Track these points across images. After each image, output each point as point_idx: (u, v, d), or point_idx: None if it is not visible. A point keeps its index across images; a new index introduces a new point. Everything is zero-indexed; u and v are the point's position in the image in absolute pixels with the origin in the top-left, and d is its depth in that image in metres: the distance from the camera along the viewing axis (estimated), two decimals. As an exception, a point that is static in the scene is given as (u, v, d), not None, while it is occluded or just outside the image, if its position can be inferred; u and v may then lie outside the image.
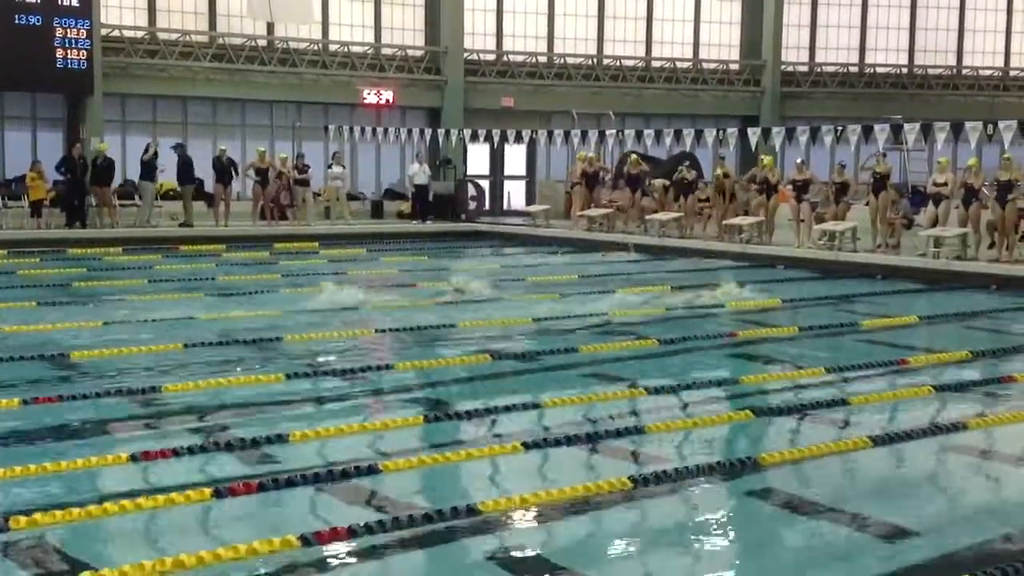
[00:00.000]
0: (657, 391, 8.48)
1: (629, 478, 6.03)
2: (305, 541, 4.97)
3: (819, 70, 34.59)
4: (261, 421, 7.48)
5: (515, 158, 31.52)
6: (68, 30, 24.47)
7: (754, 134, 22.18)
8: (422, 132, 27.16)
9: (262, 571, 4.75)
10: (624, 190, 24.10)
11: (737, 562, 5.16)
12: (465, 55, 31.05)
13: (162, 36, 27.62)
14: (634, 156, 24.37)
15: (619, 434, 7.12)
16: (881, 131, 19.80)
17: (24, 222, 21.76)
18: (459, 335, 11.25)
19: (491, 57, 31.84)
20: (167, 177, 23.75)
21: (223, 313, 12.23)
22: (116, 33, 26.82)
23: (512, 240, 23.97)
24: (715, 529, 5.64)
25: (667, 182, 23.13)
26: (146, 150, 22.74)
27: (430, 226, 25.26)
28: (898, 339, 11.50)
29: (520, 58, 32.01)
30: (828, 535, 5.48)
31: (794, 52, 34.59)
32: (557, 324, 11.88)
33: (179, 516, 5.48)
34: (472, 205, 28.75)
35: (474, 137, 26.57)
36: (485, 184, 31.22)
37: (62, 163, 22.09)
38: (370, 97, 29.71)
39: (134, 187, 23.86)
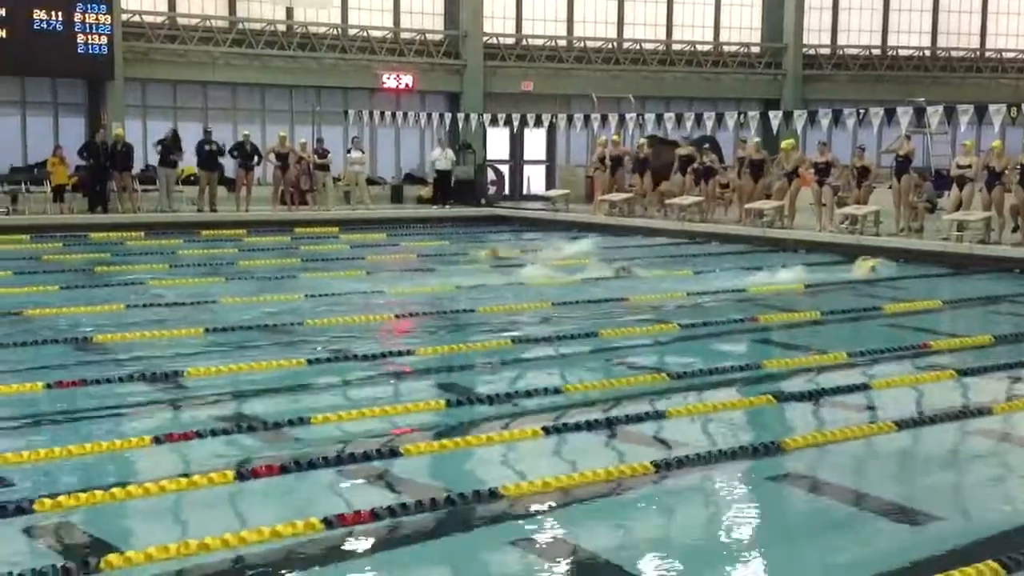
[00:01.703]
0: (679, 376, 8.45)
1: (652, 463, 6.01)
2: (328, 524, 4.99)
3: (841, 53, 34.30)
4: (283, 404, 7.51)
5: (535, 142, 31.44)
6: (89, 16, 24.51)
7: (775, 117, 22.04)
8: (441, 116, 27.12)
9: (286, 553, 4.76)
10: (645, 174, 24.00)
11: (760, 547, 5.14)
12: (484, 39, 30.95)
13: (182, 21, 27.64)
14: (642, 140, 24.27)
15: (641, 419, 7.10)
16: (904, 114, 19.63)
17: (47, 207, 21.87)
18: (480, 319, 11.25)
19: (510, 41, 31.73)
20: (188, 162, 23.82)
21: (244, 297, 12.28)
22: (136, 18, 26.86)
23: (532, 225, 23.93)
24: (738, 514, 5.63)
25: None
26: (166, 136, 22.77)
27: (450, 211, 25.25)
28: (921, 323, 11.43)
29: (540, 42, 31.88)
30: (852, 520, 5.46)
31: (816, 35, 34.32)
32: (577, 308, 11.85)
33: (203, 498, 5.51)
34: (492, 190, 28.71)
35: (494, 121, 26.50)
36: (505, 169, 31.19)
37: (84, 148, 22.19)
38: (389, 81, 29.67)
39: (155, 172, 23.93)
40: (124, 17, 25.97)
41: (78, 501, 5.28)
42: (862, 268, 15.45)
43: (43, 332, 9.93)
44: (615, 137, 24.71)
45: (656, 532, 5.29)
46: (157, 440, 6.36)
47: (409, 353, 9.42)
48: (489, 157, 30.20)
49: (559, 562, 4.81)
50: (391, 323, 11.06)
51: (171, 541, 4.73)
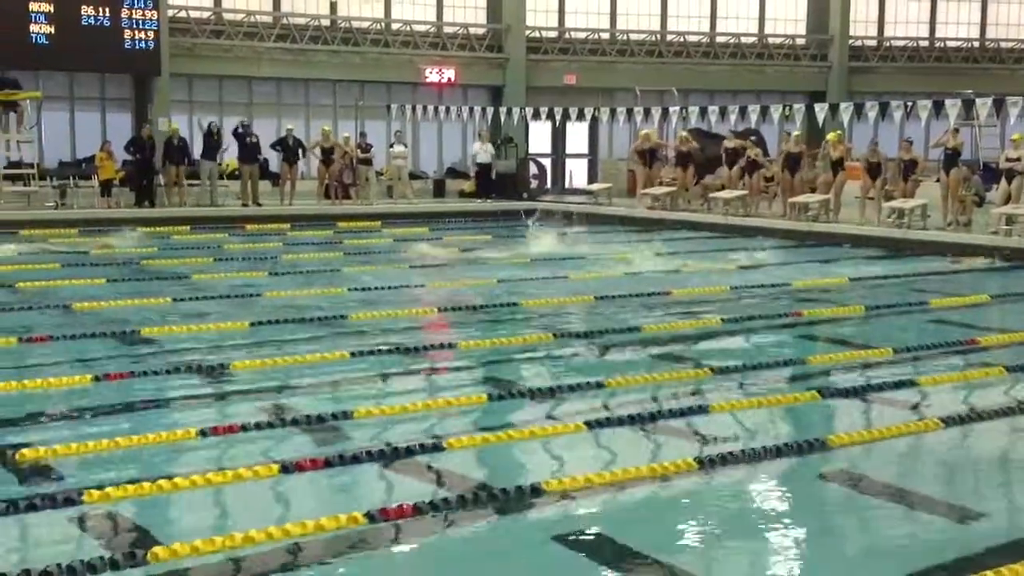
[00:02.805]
0: (722, 371, 8.40)
1: (695, 459, 5.98)
2: (371, 518, 5.01)
3: (888, 44, 33.91)
4: (326, 398, 7.56)
5: (577, 136, 31.40)
6: (136, 11, 24.79)
7: (821, 110, 21.83)
8: (484, 110, 27.13)
9: (329, 546, 4.79)
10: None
11: (804, 545, 5.10)
12: (527, 32, 30.94)
13: (227, 17, 27.88)
14: (683, 134, 24.15)
15: (684, 414, 7.07)
16: (952, 106, 19.37)
17: (94, 201, 22.15)
18: (522, 313, 11.25)
19: (553, 34, 31.68)
20: (230, 156, 24.01)
21: (288, 291, 12.37)
22: (182, 14, 27.12)
23: (574, 219, 23.86)
24: (782, 511, 5.58)
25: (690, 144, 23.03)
26: (207, 129, 22.99)
27: (492, 205, 25.27)
28: (969, 319, 11.28)
29: (582, 35, 31.80)
30: (898, 518, 5.40)
31: (862, 26, 33.95)
32: (619, 302, 11.82)
33: (247, 491, 5.56)
34: (534, 183, 28.69)
35: (536, 115, 26.47)
36: (547, 162, 31.15)
37: (131, 143, 22.45)
38: (432, 76, 29.74)
39: (199, 166, 24.15)
40: (170, 13, 26.25)
41: (125, 492, 5.34)
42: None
43: (91, 325, 10.06)
44: (646, 131, 24.62)
45: (699, 529, 5.26)
46: (203, 433, 6.42)
47: (451, 346, 9.43)
48: (531, 151, 30.18)
49: (601, 558, 4.80)
50: (433, 317, 11.09)
51: (217, 534, 4.77)
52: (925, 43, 34.09)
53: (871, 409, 7.55)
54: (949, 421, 6.95)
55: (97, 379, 7.79)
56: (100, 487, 5.37)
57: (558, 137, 31.04)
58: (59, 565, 4.39)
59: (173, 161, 22.43)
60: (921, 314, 11.72)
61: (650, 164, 24.17)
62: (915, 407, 7.55)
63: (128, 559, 4.51)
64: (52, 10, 23.95)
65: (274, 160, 24.59)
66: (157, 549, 4.60)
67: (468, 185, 27.19)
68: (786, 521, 5.43)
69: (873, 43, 33.94)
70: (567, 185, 30.89)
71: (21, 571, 4.34)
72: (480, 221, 22.93)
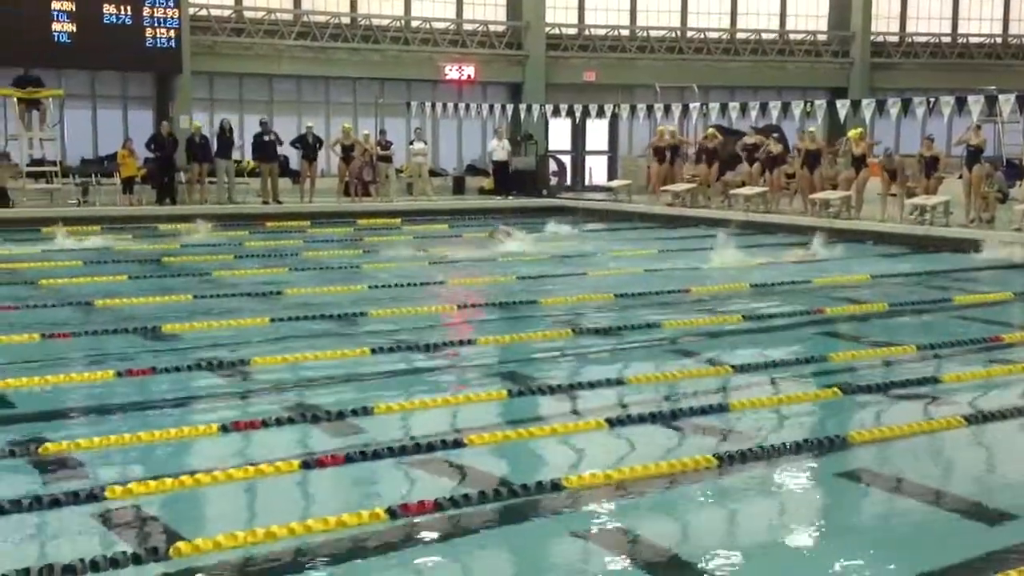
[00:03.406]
0: (742, 368, 8.38)
1: (715, 456, 5.97)
2: (392, 513, 5.02)
3: (910, 40, 33.70)
4: (347, 394, 7.58)
5: (597, 133, 31.33)
6: (157, 10, 24.89)
7: (843, 106, 21.72)
8: (503, 107, 27.13)
9: (350, 542, 4.81)
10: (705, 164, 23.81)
11: (824, 542, 5.07)
12: (547, 29, 30.90)
13: (248, 15, 27.96)
14: (711, 130, 24.09)
15: (704, 411, 7.05)
16: (975, 102, 19.23)
17: (116, 199, 22.26)
18: (542, 310, 11.25)
19: (573, 31, 31.63)
20: (246, 154, 24.11)
21: (308, 288, 12.40)
22: (203, 12, 27.22)
23: (594, 215, 23.86)
24: (802, 509, 5.56)
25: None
26: (220, 128, 23.09)
27: (512, 202, 25.25)
28: (992, 316, 11.21)
29: (602, 31, 31.74)
30: (919, 516, 5.37)
31: (884, 22, 33.74)
32: (639, 299, 11.80)
33: (269, 487, 5.58)
34: (554, 180, 28.67)
35: (555, 112, 26.46)
36: (567, 159, 31.12)
37: (151, 141, 22.57)
38: (452, 73, 29.75)
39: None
40: (191, 11, 26.35)
41: (148, 488, 5.37)
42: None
43: (113, 322, 10.12)
44: (661, 128, 24.57)
45: (718, 526, 5.24)
46: (224, 428, 6.45)
47: (471, 343, 9.44)
48: (551, 148, 30.15)
49: (620, 554, 4.79)
50: (453, 313, 11.10)
51: (238, 529, 4.79)
52: (947, 39, 33.86)
53: (893, 406, 7.51)
54: (972, 419, 6.90)
55: (119, 375, 7.84)
56: (122, 482, 5.40)
57: (578, 134, 31.00)
58: (82, 560, 4.42)
59: (195, 159, 22.56)
60: (944, 311, 11.65)
61: (672, 161, 24.11)
62: (937, 405, 7.50)
63: (150, 554, 4.53)
64: (74, 9, 24.08)
65: (294, 158, 24.67)
66: (179, 544, 4.62)
67: (488, 182, 27.19)
68: (806, 518, 5.41)
69: (895, 39, 33.74)
70: (587, 182, 30.85)
71: (44, 566, 4.37)
72: (499, 218, 22.90)
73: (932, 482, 5.89)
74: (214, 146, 23.40)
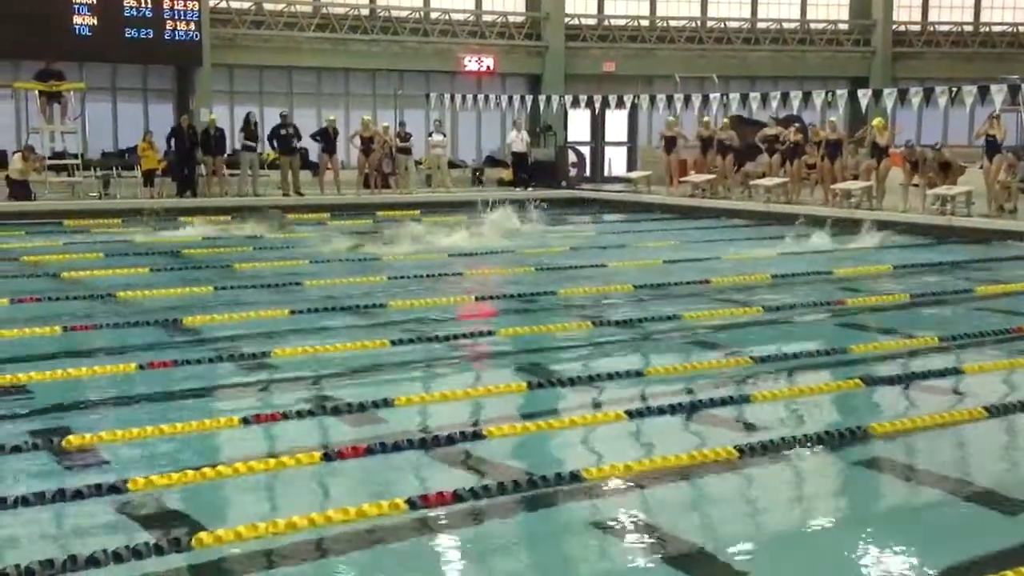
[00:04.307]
0: (763, 359, 8.35)
1: (735, 447, 5.95)
2: (412, 504, 5.04)
3: (932, 29, 33.45)
4: (367, 385, 7.60)
5: (616, 124, 31.26)
6: (177, 2, 24.97)
7: (864, 96, 21.58)
8: (522, 99, 27.09)
9: (371, 533, 4.82)
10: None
11: (846, 534, 5.05)
12: (566, 20, 30.82)
13: (268, 7, 28.00)
14: (725, 120, 24.01)
15: (724, 403, 7.03)
16: (998, 92, 19.08)
17: (137, 191, 22.36)
18: (561, 301, 11.24)
19: (592, 22, 31.54)
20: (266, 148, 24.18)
21: (328, 279, 12.43)
22: (223, 5, 27.29)
23: (613, 207, 23.81)
24: (824, 501, 5.55)
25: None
26: (246, 121, 23.12)
27: (530, 193, 25.21)
28: (1014, 306, 11.13)
29: (622, 22, 31.64)
30: (941, 507, 5.35)
31: (906, 11, 33.50)
32: (658, 290, 11.78)
33: (290, 478, 5.60)
34: (573, 172, 28.63)
35: (575, 103, 26.40)
36: (586, 151, 31.07)
37: (172, 134, 22.67)
38: (471, 64, 29.72)
39: (239, 157, 24.29)
40: (211, 3, 26.42)
41: (170, 480, 5.40)
42: None
43: (135, 314, 10.17)
44: (671, 119, 24.52)
45: (739, 518, 5.23)
46: (245, 421, 6.48)
47: (490, 334, 9.45)
48: (570, 139, 30.10)
49: (640, 546, 4.79)
50: (472, 305, 11.11)
51: (260, 520, 4.81)
52: (970, 28, 33.58)
53: (914, 397, 7.47)
54: (994, 410, 6.86)
55: (141, 367, 7.88)
56: (145, 474, 5.44)
57: (597, 125, 30.93)
58: (105, 551, 4.45)
59: (209, 152, 22.61)
60: (966, 302, 11.57)
61: (668, 151, 24.33)
62: (959, 396, 7.46)
63: (173, 544, 4.56)
64: (95, 1, 24.17)
65: (314, 150, 24.71)
66: (201, 535, 4.65)
67: (506, 174, 27.17)
68: (827, 510, 5.39)
69: (917, 28, 33.50)
70: (606, 173, 30.79)
71: (67, 556, 4.41)
72: (519, 210, 22.87)
73: (954, 473, 5.86)
74: (237, 139, 23.45)
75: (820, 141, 21.20)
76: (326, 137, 23.53)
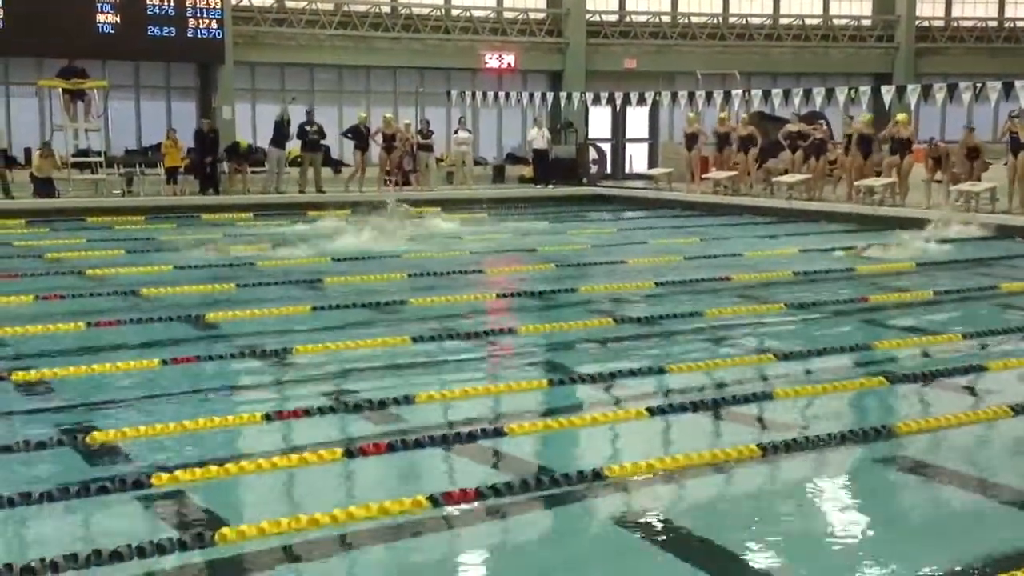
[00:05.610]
0: (786, 356, 8.31)
1: (758, 445, 5.93)
2: (434, 501, 5.04)
3: (956, 24, 33.23)
4: (388, 382, 7.60)
5: (637, 121, 31.20)
6: (200, 0, 25.08)
7: (888, 92, 21.45)
8: (543, 96, 27.07)
9: (393, 530, 4.83)
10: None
11: (870, 533, 5.02)
12: (587, 16, 30.78)
13: (290, 4, 28.11)
14: (744, 117, 23.93)
15: (747, 400, 7.00)
16: (1022, 88, 18.92)
17: (160, 188, 22.48)
18: (582, 298, 11.23)
19: (613, 18, 31.49)
20: (293, 144, 24.24)
21: (349, 276, 12.45)
22: (246, 2, 27.40)
23: (634, 204, 23.77)
24: (846, 498, 5.52)
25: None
26: (279, 118, 23.20)
27: (552, 190, 25.22)
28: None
29: (643, 18, 31.58)
30: (965, 506, 5.31)
31: (929, 6, 33.30)
32: (679, 287, 11.74)
33: (312, 475, 5.61)
34: (594, 169, 28.60)
35: (596, 100, 26.37)
36: (607, 147, 31.02)
37: (195, 137, 22.87)
38: (492, 61, 29.73)
39: (263, 154, 24.39)
40: (234, 1, 26.52)
41: (193, 475, 5.42)
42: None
43: (158, 310, 10.22)
44: (691, 115, 24.46)
45: (762, 516, 5.20)
46: (268, 417, 6.50)
47: (512, 332, 9.44)
48: (591, 136, 30.07)
49: (662, 545, 4.77)
50: (493, 302, 11.10)
51: (282, 516, 4.83)
52: (994, 23, 33.34)
53: (939, 395, 7.42)
54: (1019, 409, 6.80)
55: (164, 363, 7.91)
56: (168, 470, 5.46)
57: (618, 122, 30.88)
58: (129, 546, 4.47)
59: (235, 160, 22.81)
60: (990, 299, 11.49)
61: (689, 148, 24.20)
62: (984, 393, 7.40)
63: (196, 540, 4.58)
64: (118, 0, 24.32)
65: (336, 148, 24.78)
66: (224, 530, 4.66)
67: (527, 171, 27.17)
68: (850, 508, 5.36)
69: (941, 23, 33.29)
70: (627, 170, 30.74)
71: (92, 551, 4.43)
72: (540, 207, 22.90)
73: (979, 472, 5.81)
74: (266, 136, 23.51)
75: (851, 135, 21.05)
76: (358, 134, 23.59)
